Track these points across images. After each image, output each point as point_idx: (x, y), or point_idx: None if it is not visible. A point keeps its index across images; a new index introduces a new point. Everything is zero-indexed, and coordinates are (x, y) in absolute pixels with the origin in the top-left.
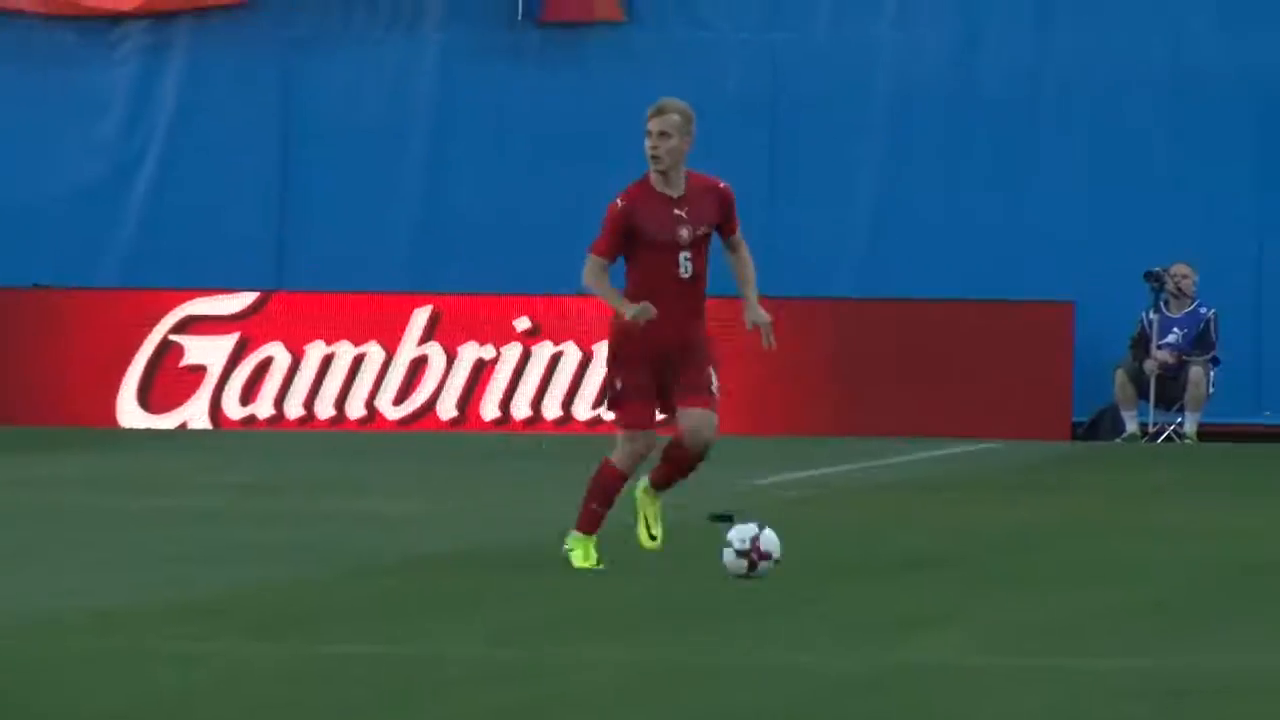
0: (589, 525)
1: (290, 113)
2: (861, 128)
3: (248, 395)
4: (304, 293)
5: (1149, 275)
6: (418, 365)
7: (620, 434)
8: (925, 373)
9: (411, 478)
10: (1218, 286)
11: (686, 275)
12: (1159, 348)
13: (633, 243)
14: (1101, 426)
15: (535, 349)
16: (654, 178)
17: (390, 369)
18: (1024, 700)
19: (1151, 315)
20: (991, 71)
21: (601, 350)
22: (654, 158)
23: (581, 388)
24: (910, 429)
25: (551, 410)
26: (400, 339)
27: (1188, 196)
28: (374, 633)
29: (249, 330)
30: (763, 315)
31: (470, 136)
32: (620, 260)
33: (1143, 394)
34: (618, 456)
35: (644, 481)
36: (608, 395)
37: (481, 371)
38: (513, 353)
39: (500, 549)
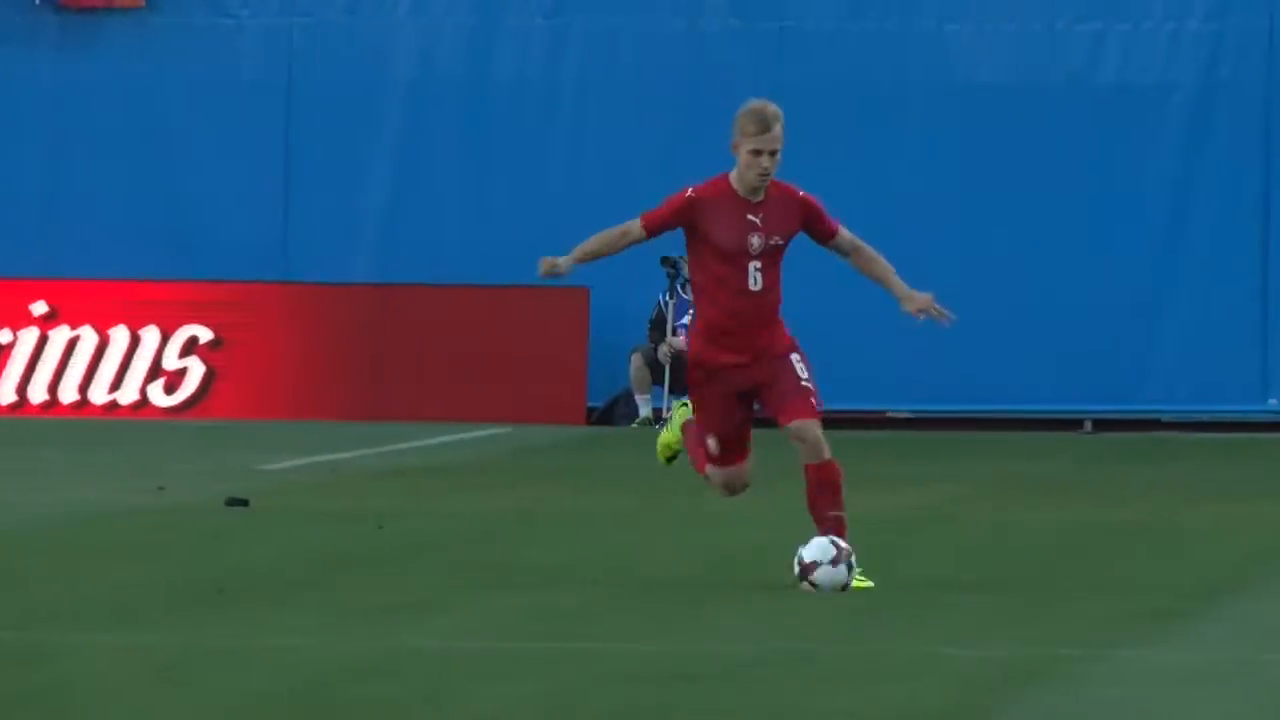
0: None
1: None
2: (378, 113)
3: None
4: None
5: (665, 260)
6: None
7: (707, 477)
8: (442, 357)
9: None
10: None
11: (756, 288)
12: (674, 332)
13: (698, 243)
14: (616, 411)
15: (52, 333)
16: (736, 179)
17: None
18: (526, 684)
19: (668, 299)
20: (508, 57)
21: (120, 335)
22: (763, 174)
23: (98, 373)
24: (428, 414)
25: (68, 395)
26: None
27: (703, 177)
28: None
29: None
30: (920, 297)
31: None
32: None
33: (659, 379)
34: (712, 485)
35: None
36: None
37: None
38: (30, 337)
39: (7, 534)
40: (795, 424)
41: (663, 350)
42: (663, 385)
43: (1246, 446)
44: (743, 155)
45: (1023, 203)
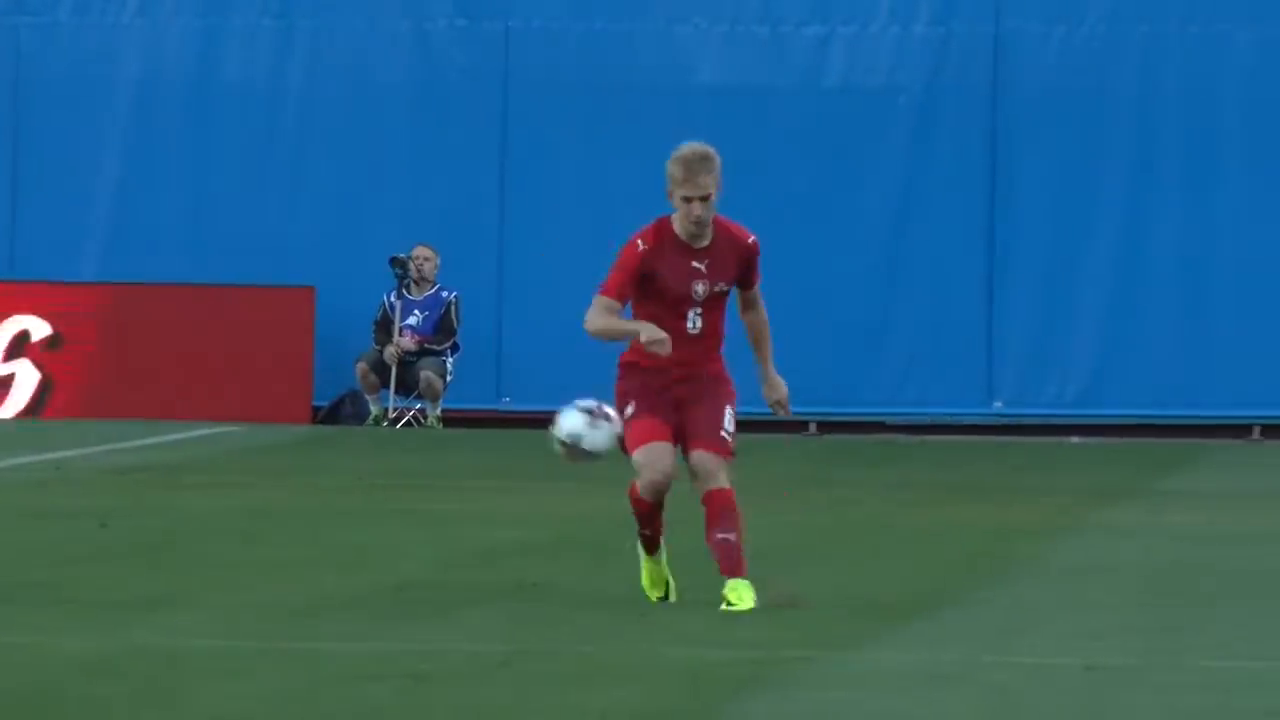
0: (645, 548)
1: None
2: (106, 113)
3: None
4: None
5: (394, 260)
6: None
7: (633, 459)
8: (170, 357)
9: None
10: (460, 270)
11: (694, 331)
12: (400, 332)
13: (645, 287)
14: (341, 411)
15: None
16: (679, 224)
17: None
18: (262, 682)
19: (394, 299)
20: (234, 58)
21: None
22: (697, 221)
23: None
24: (155, 412)
25: None
26: None
27: (429, 178)
28: None
29: None
30: (780, 389)
31: None
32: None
33: (386, 381)
34: (638, 482)
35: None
36: (624, 425)
37: None
38: None
39: None
40: (697, 453)
41: (389, 351)
42: (389, 387)
43: (971, 449)
44: (677, 202)
45: (749, 203)
